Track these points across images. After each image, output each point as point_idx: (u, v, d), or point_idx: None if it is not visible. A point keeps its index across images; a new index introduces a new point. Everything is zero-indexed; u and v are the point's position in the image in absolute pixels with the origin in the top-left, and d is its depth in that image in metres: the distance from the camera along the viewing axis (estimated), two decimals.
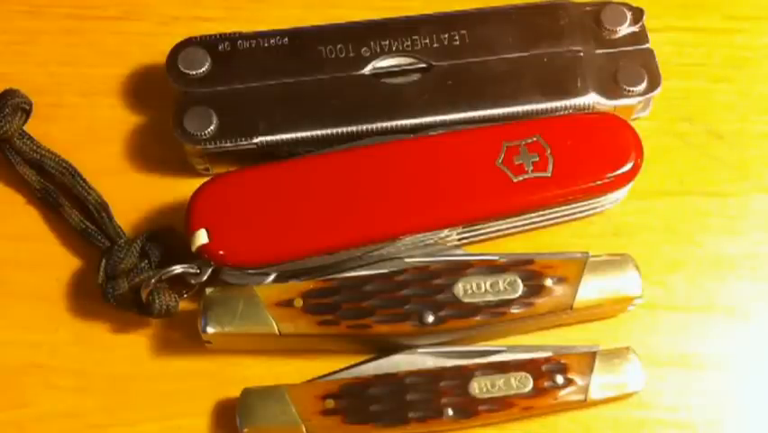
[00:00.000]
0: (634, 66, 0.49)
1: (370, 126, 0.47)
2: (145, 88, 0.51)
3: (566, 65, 0.49)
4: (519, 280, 0.45)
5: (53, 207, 0.48)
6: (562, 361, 0.45)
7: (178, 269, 0.45)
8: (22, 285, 0.47)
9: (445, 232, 0.46)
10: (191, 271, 0.45)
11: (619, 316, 0.47)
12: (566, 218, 0.48)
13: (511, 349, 0.45)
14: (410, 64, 0.49)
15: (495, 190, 0.45)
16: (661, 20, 0.52)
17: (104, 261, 0.46)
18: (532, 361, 0.45)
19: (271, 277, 0.45)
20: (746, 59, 0.52)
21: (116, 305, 0.45)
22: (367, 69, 0.48)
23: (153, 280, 0.44)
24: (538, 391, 0.44)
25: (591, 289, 0.45)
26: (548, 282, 0.45)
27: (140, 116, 0.50)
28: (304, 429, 0.43)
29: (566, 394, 0.44)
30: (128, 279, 0.45)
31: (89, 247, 0.47)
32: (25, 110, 0.48)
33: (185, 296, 0.46)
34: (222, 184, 0.45)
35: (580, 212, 0.47)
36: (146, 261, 0.46)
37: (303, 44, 0.49)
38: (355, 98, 0.48)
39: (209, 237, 0.44)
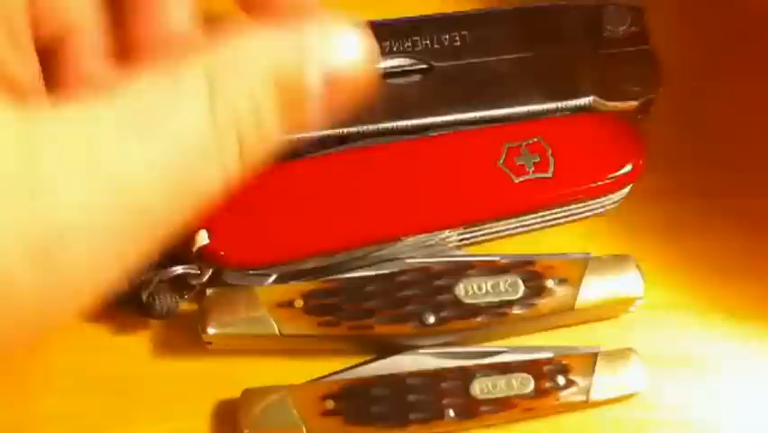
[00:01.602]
0: (634, 66, 0.49)
1: (370, 127, 0.47)
2: None
3: (566, 65, 0.49)
4: (520, 281, 0.45)
5: None
6: (564, 362, 0.45)
7: (178, 270, 0.44)
8: None
9: (446, 233, 0.46)
10: (192, 271, 0.45)
11: (621, 316, 0.47)
12: (567, 219, 0.48)
13: (512, 350, 0.45)
14: (411, 65, 0.48)
15: (496, 191, 0.45)
16: (661, 20, 0.52)
17: None
18: (533, 362, 0.44)
19: (272, 278, 0.45)
20: (747, 59, 0.52)
21: (116, 306, 0.45)
22: None
23: (154, 281, 0.44)
24: (539, 392, 0.44)
25: (593, 290, 0.45)
26: (549, 283, 0.45)
27: None
28: (304, 430, 0.43)
29: (567, 395, 0.44)
30: (128, 279, 0.45)
31: None
32: None
33: (185, 297, 0.46)
34: None
35: (582, 213, 0.47)
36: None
37: None
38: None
39: (210, 238, 0.44)
